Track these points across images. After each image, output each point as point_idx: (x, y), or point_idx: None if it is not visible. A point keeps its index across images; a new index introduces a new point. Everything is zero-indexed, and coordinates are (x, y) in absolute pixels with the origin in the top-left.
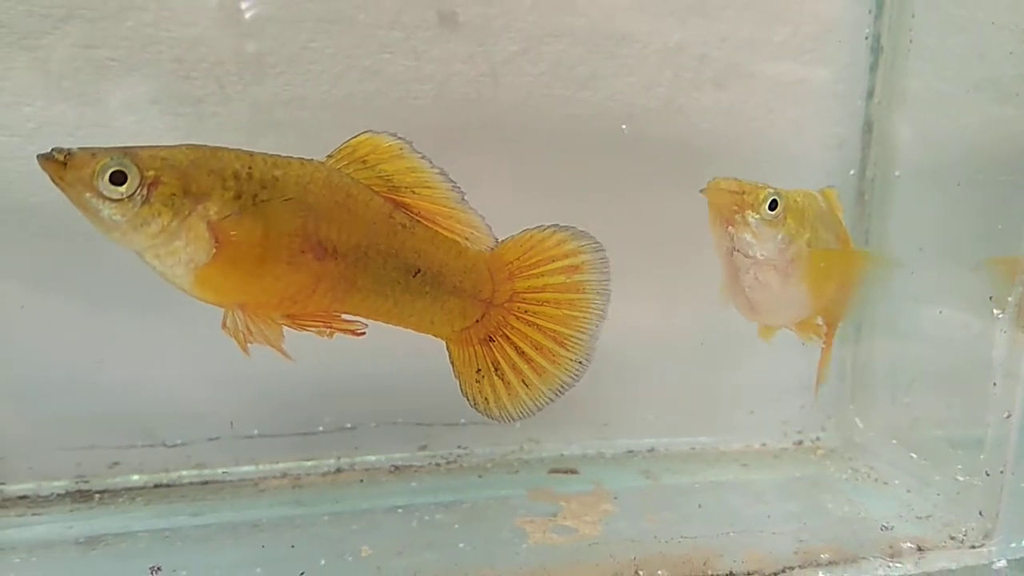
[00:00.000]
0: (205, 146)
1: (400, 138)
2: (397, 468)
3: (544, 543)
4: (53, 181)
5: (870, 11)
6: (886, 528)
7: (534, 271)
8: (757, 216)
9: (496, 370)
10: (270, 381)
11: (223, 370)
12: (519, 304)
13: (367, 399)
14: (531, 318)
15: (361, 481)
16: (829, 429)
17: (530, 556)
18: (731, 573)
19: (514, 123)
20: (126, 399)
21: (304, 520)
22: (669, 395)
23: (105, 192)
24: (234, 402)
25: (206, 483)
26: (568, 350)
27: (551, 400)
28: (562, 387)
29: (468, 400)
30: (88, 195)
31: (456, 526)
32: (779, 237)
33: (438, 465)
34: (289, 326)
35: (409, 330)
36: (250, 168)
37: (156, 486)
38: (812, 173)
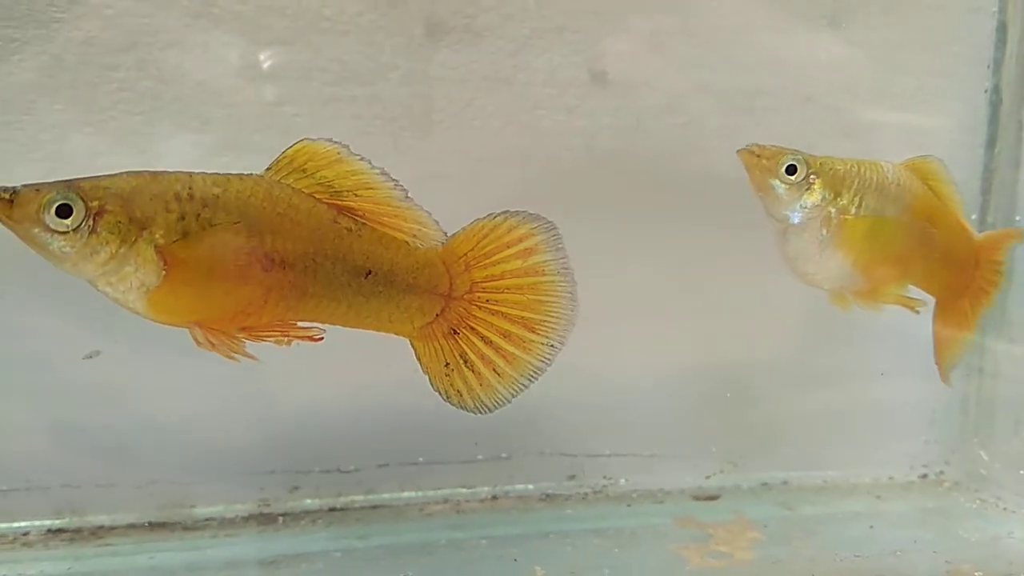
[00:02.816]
0: (145, 171)
1: (336, 142)
2: (548, 496)
3: (705, 567)
4: (0, 220)
5: (988, 66)
6: None
7: (490, 259)
8: (776, 180)
9: (465, 362)
10: (434, 412)
11: (391, 401)
12: (479, 294)
13: (520, 430)
14: (494, 307)
15: (516, 508)
16: (953, 463)
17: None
18: None
19: (658, 171)
20: (305, 427)
21: (468, 544)
22: (800, 430)
23: (52, 226)
24: (401, 431)
25: (375, 507)
26: (538, 334)
27: (525, 387)
28: (535, 372)
29: (441, 395)
30: (36, 230)
31: (615, 550)
32: (799, 202)
33: (586, 495)
34: (247, 339)
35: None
36: (190, 188)
37: (331, 509)
38: None
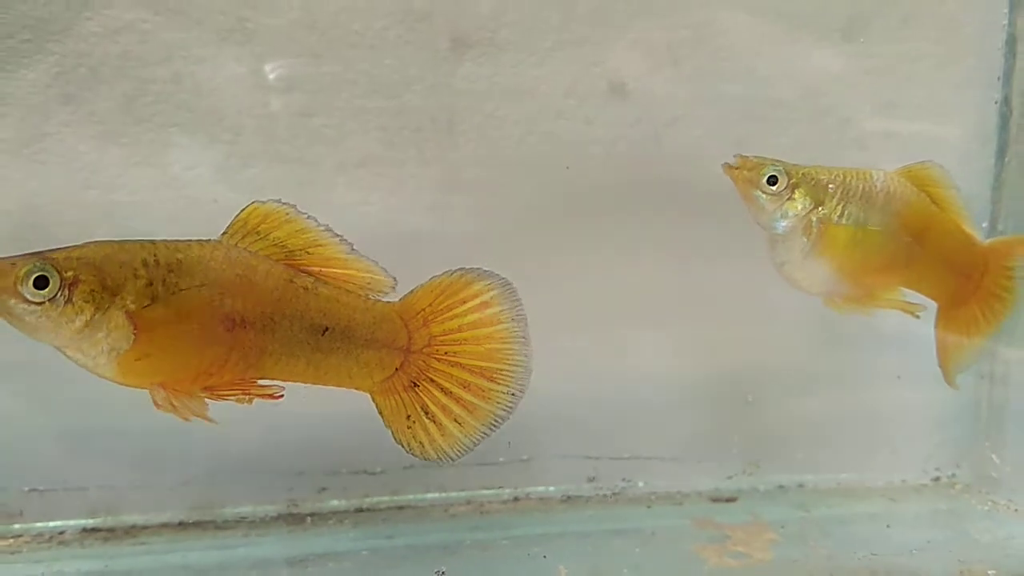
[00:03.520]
0: (110, 241)
1: (284, 203)
2: (569, 498)
3: (724, 566)
4: None
5: (998, 78)
6: None
7: (447, 314)
8: (758, 191)
9: (426, 414)
10: None
11: None
12: (438, 347)
13: (540, 433)
14: (453, 358)
15: (538, 509)
16: (964, 466)
17: (724, 574)
18: None
19: (675, 180)
20: (332, 430)
21: (491, 544)
22: (815, 434)
23: (30, 296)
24: None
25: (401, 508)
26: (498, 383)
27: (486, 435)
28: (496, 421)
29: (403, 447)
30: (13, 301)
31: (637, 550)
32: (781, 211)
33: (606, 496)
34: (209, 398)
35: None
36: (155, 255)
37: (357, 510)
38: None
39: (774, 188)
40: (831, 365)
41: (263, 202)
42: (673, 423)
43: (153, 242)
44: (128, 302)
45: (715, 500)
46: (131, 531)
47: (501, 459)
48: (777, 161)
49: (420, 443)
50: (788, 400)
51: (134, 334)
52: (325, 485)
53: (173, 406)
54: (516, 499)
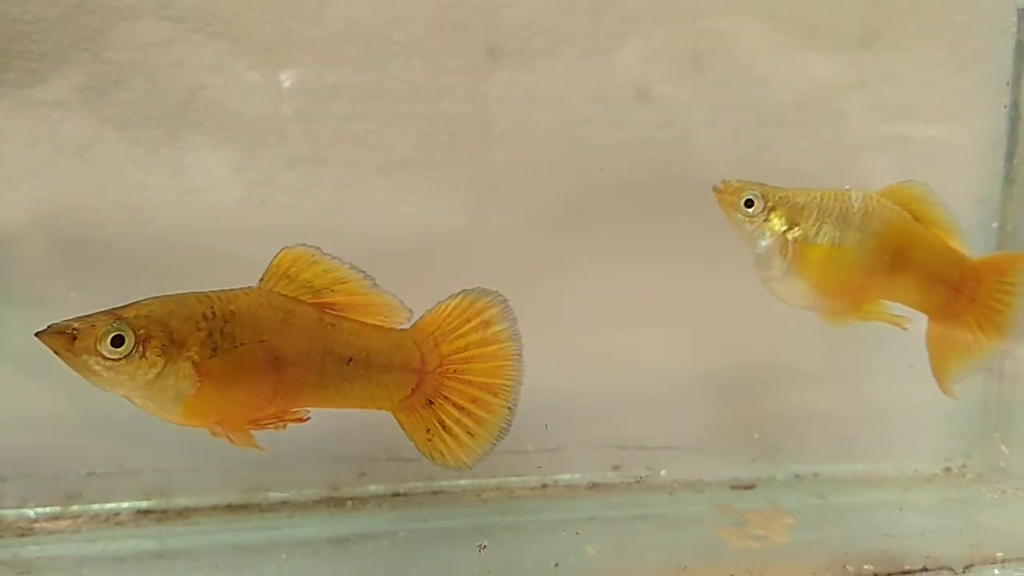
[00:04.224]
0: (169, 295)
1: (311, 247)
2: (595, 485)
3: (744, 548)
4: (58, 353)
5: (1008, 83)
6: None
7: (454, 334)
8: (738, 214)
9: (443, 427)
10: None
11: None
12: (448, 367)
13: (568, 424)
14: (462, 376)
15: (565, 496)
16: (974, 457)
17: (744, 555)
18: (924, 568)
19: (700, 182)
20: (371, 419)
21: (519, 526)
22: (831, 426)
23: (107, 355)
24: None
25: (435, 493)
26: (500, 397)
27: (494, 445)
28: (500, 433)
29: (427, 458)
30: (93, 360)
31: (661, 532)
32: (758, 232)
33: (630, 484)
34: (254, 429)
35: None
36: (212, 308)
37: (394, 495)
38: None
39: (751, 211)
40: (846, 360)
41: (291, 247)
42: (695, 415)
43: (208, 295)
44: (193, 353)
45: (734, 488)
46: (183, 512)
47: (530, 448)
48: (757, 184)
49: (440, 453)
50: (804, 393)
51: (198, 381)
52: (364, 471)
53: (229, 440)
54: (544, 486)
